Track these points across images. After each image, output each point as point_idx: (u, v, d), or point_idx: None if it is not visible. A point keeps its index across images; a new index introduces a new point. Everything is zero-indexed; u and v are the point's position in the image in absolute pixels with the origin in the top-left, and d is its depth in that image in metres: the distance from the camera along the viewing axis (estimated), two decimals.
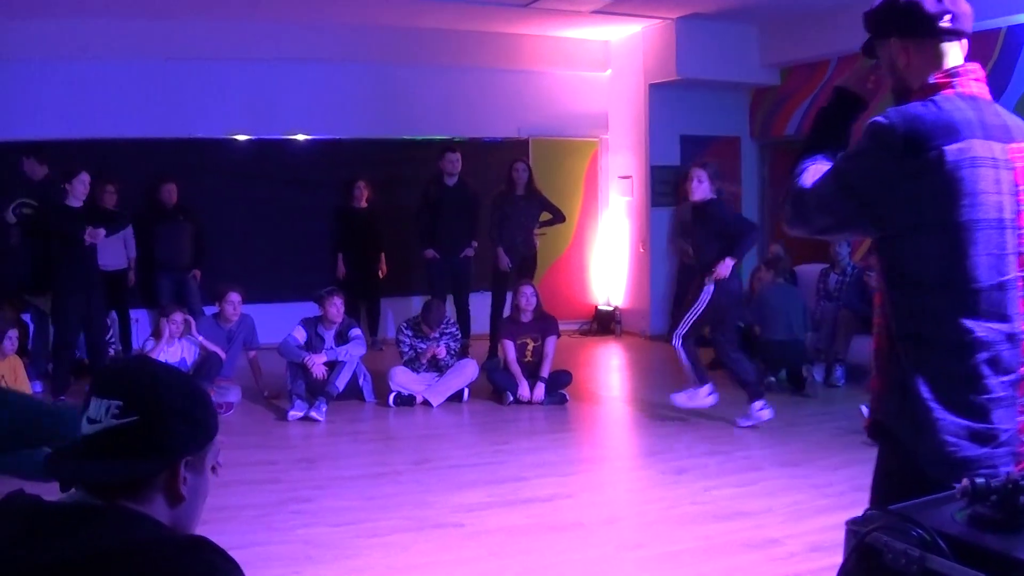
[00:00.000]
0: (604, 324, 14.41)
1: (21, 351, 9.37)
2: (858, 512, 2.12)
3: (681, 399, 8.97)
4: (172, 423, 1.90)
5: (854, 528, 2.05)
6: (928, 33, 2.73)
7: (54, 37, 11.64)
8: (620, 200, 14.46)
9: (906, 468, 2.69)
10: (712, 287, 8.72)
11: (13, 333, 8.46)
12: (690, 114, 13.75)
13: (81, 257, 9.17)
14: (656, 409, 9.62)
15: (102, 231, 9.38)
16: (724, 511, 6.33)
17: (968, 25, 2.77)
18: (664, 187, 13.66)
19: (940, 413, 2.63)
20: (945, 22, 2.71)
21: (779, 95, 13.68)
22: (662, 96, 13.62)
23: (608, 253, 14.68)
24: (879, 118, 2.64)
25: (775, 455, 7.68)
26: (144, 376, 1.95)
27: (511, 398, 9.64)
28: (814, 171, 2.82)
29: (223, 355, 9.55)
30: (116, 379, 1.94)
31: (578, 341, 13.76)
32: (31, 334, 10.43)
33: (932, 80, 2.74)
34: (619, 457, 8.41)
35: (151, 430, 1.87)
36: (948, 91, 2.70)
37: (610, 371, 12.24)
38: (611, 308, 14.50)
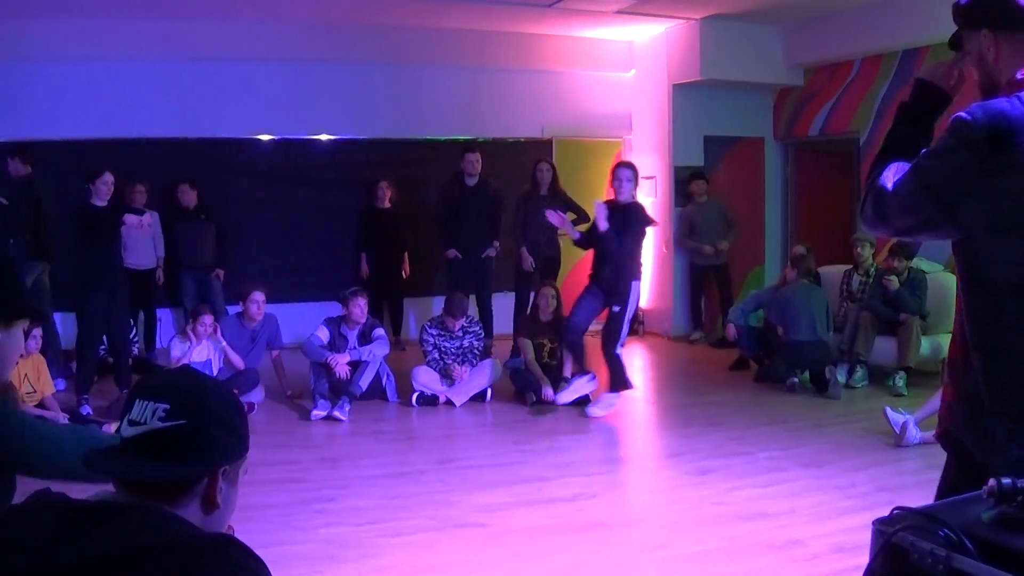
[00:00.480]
0: None
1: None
2: (881, 513, 2.11)
3: (597, 410, 9.28)
4: (216, 431, 1.93)
5: (881, 528, 2.04)
6: (1020, 27, 2.65)
7: (78, 38, 11.70)
8: (644, 200, 14.38)
9: (972, 480, 2.63)
10: (638, 287, 9.22)
11: (37, 331, 8.48)
12: (714, 115, 13.74)
13: (105, 256, 9.16)
14: (679, 409, 9.63)
15: (147, 216, 9.40)
16: (747, 512, 6.32)
17: None
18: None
19: (1012, 425, 2.57)
20: None
21: (803, 95, 13.65)
22: (686, 96, 13.61)
23: None
24: (962, 114, 2.55)
25: (798, 456, 7.65)
26: (192, 384, 1.98)
27: (533, 398, 9.63)
28: (895, 169, 2.72)
29: (242, 364, 9.54)
30: (164, 384, 1.97)
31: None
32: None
33: (1020, 76, 2.65)
34: (642, 457, 8.40)
35: (197, 435, 1.90)
36: None
37: (633, 371, 12.18)
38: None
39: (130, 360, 9.95)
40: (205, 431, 1.91)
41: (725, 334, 11.12)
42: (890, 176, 2.72)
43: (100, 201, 9.17)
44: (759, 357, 10.87)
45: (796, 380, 10.11)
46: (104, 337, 9.67)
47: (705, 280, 13.60)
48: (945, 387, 2.86)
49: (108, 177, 9.20)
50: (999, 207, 2.51)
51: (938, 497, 2.80)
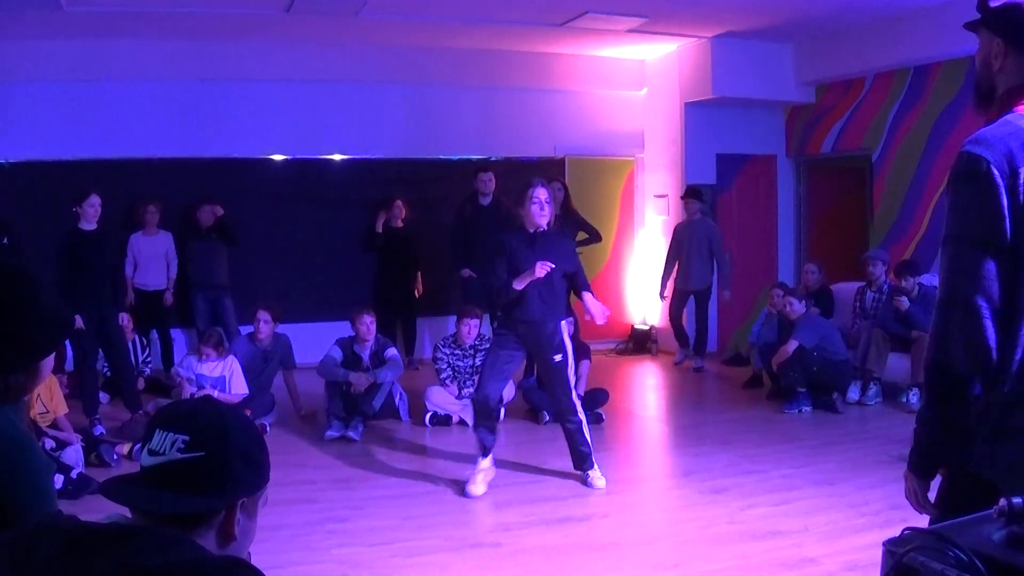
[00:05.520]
0: (640, 343, 14.36)
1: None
2: (894, 531, 2.11)
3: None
4: (235, 464, 1.94)
5: (891, 548, 2.03)
6: None
7: (93, 57, 11.78)
8: (656, 219, 14.44)
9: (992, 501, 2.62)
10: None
11: None
12: (726, 132, 13.75)
13: (90, 278, 9.10)
14: (692, 428, 9.62)
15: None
16: (760, 530, 6.31)
17: None
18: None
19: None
20: None
21: (815, 113, 13.65)
22: (698, 114, 13.62)
23: (644, 272, 14.63)
24: (963, 156, 2.62)
25: (811, 474, 7.64)
26: (212, 415, 1.98)
27: (547, 417, 9.61)
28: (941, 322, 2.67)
29: (245, 391, 9.50)
30: (184, 415, 1.97)
31: (614, 360, 13.72)
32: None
33: (1011, 94, 2.73)
34: (655, 477, 8.38)
35: (215, 468, 1.91)
36: (1021, 107, 2.69)
37: (646, 390, 12.21)
38: (647, 327, 14.45)
39: (142, 380, 10.00)
40: (224, 463, 1.92)
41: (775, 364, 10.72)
42: (941, 318, 2.67)
43: (88, 224, 9.08)
44: (773, 373, 10.78)
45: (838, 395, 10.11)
46: (103, 354, 9.64)
47: (683, 303, 13.00)
48: None
49: (95, 199, 9.08)
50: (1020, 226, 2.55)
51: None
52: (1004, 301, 2.56)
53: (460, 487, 7.40)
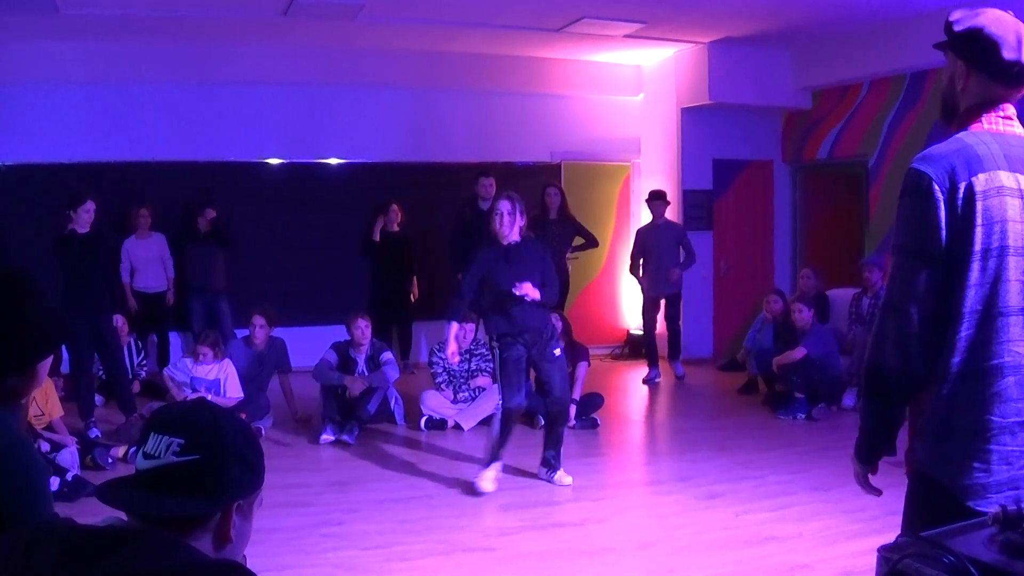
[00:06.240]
0: (636, 348, 14.32)
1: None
2: (890, 538, 2.12)
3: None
4: (231, 466, 1.93)
5: (886, 555, 2.04)
6: (993, 75, 2.84)
7: (88, 60, 11.79)
8: None
9: (939, 498, 2.73)
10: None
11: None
12: (722, 138, 13.75)
13: (82, 282, 9.10)
14: (688, 433, 9.61)
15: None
16: (755, 536, 6.31)
17: None
18: (697, 211, 13.63)
19: (969, 439, 2.70)
20: (1013, 72, 2.83)
21: (811, 119, 13.65)
22: (694, 120, 13.63)
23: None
24: (909, 173, 2.79)
25: (807, 480, 7.64)
26: (207, 417, 1.97)
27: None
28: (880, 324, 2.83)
29: (240, 394, 9.50)
30: (179, 418, 1.96)
31: (610, 365, 13.73)
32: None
33: (970, 112, 2.88)
34: (650, 482, 8.37)
35: (211, 470, 1.90)
36: (976, 126, 2.84)
37: (642, 395, 12.18)
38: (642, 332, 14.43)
39: (136, 383, 10.03)
40: (219, 466, 1.91)
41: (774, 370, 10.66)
42: (880, 321, 2.84)
43: (81, 228, 9.11)
44: (769, 378, 10.80)
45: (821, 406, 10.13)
46: (98, 357, 9.64)
47: (656, 310, 12.63)
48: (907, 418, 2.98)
49: (90, 205, 9.10)
50: (959, 238, 2.70)
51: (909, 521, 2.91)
52: (938, 307, 2.72)
53: (455, 491, 7.42)
